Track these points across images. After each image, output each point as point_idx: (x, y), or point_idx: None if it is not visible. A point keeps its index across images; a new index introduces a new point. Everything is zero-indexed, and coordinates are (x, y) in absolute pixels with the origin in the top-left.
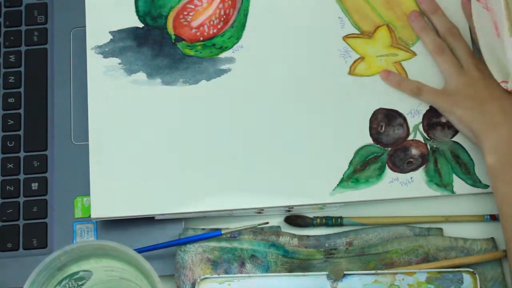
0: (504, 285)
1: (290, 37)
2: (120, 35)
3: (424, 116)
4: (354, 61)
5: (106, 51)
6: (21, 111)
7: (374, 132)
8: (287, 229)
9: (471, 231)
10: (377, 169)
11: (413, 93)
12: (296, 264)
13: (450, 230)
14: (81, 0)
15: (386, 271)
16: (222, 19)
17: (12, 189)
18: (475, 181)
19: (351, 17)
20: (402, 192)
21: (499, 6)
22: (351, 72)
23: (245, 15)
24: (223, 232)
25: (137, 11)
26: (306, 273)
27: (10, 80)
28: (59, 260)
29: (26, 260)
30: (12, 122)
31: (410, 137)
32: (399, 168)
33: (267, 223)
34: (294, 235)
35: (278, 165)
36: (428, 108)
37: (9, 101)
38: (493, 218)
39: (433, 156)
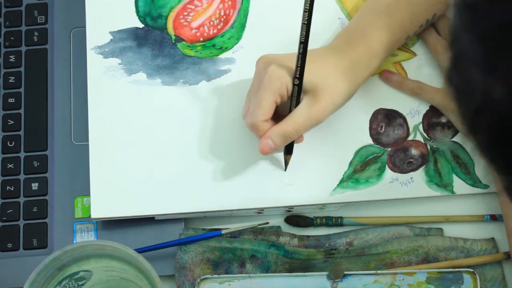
0: (504, 285)
1: (290, 38)
2: (120, 35)
3: (424, 116)
4: None
5: (106, 51)
6: (21, 111)
7: (374, 132)
8: (287, 229)
9: (471, 231)
10: (377, 169)
11: (414, 93)
12: (296, 264)
13: (450, 230)
14: (81, 0)
15: (386, 271)
16: (222, 19)
17: (12, 189)
18: (475, 181)
19: (351, 18)
20: (402, 192)
21: None
22: None
23: (245, 16)
24: (223, 232)
25: (137, 11)
26: (306, 273)
27: (10, 80)
28: (59, 260)
29: (26, 260)
30: (12, 122)
31: (410, 137)
32: (399, 168)
33: (267, 223)
34: (294, 235)
35: (278, 165)
36: (428, 108)
37: (9, 101)
38: (493, 218)
39: (433, 156)
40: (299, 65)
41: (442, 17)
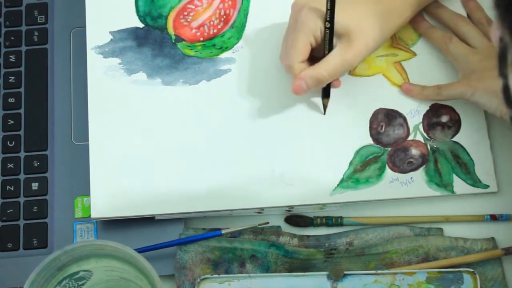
0: (504, 285)
1: None
2: (120, 35)
3: (424, 116)
4: None
5: (106, 51)
6: (21, 111)
7: (374, 132)
8: (287, 229)
9: (471, 231)
10: (377, 169)
11: (436, 95)
12: (296, 264)
13: (450, 230)
14: (81, 0)
15: (386, 271)
16: (222, 19)
17: (12, 189)
18: (475, 181)
19: None
20: (402, 192)
21: None
22: (351, 73)
23: (245, 15)
24: (223, 232)
25: (137, 11)
26: (306, 273)
27: (10, 80)
28: (59, 260)
29: (26, 260)
30: (12, 122)
31: (410, 137)
32: (399, 168)
33: (267, 223)
34: (294, 235)
35: (279, 165)
36: (428, 108)
37: (9, 101)
38: (493, 218)
39: (433, 156)
40: (328, 8)
41: (445, 9)
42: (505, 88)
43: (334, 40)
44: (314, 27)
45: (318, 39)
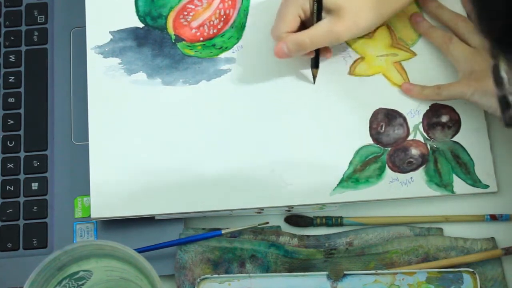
0: (504, 285)
1: None
2: (120, 35)
3: (424, 116)
4: (354, 61)
5: (106, 51)
6: (21, 111)
7: (374, 132)
8: (287, 229)
9: (471, 231)
10: (377, 169)
11: (436, 95)
12: (296, 264)
13: (450, 230)
14: (81, 0)
15: (386, 271)
16: (222, 19)
17: (12, 189)
18: (475, 181)
19: None
20: (402, 192)
21: None
22: (351, 72)
23: (245, 15)
24: (223, 232)
25: (137, 11)
26: (306, 273)
27: (10, 80)
28: (59, 260)
29: (26, 260)
30: (12, 122)
31: (410, 137)
32: (399, 168)
33: (267, 223)
34: (294, 235)
35: (278, 165)
36: (428, 108)
37: (9, 101)
38: (493, 218)
39: (433, 156)
40: None
41: (445, 9)
42: (495, 68)
43: (324, 14)
44: (303, 0)
45: (307, 12)
